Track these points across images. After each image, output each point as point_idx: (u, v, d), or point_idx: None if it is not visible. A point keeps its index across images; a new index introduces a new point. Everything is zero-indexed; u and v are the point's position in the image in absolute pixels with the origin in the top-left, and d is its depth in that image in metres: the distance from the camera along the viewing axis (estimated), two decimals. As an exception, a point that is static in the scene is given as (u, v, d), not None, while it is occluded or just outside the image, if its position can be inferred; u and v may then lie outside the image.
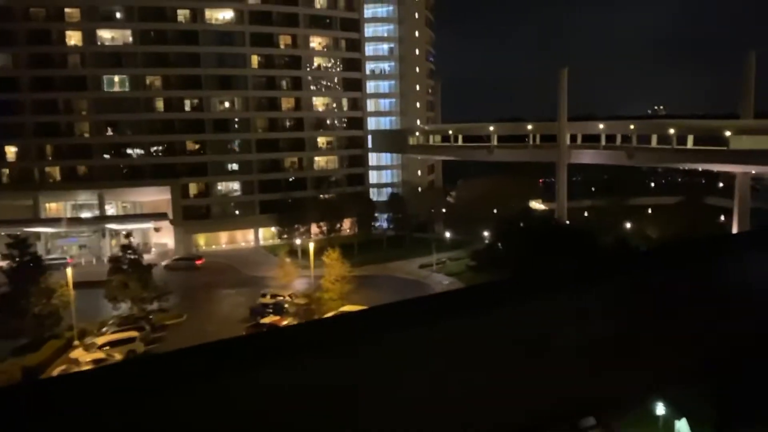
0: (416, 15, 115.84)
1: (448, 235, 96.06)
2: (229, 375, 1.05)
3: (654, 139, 79.11)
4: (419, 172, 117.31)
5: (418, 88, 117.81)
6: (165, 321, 62.45)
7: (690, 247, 1.89)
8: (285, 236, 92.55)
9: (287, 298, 64.59)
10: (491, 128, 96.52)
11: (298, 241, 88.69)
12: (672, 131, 75.11)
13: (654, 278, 1.61)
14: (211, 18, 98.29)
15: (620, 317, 1.39)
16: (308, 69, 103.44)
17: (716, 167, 75.44)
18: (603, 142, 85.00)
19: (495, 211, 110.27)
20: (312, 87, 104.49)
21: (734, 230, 75.06)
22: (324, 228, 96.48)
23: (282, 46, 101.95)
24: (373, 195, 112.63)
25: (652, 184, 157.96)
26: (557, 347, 1.39)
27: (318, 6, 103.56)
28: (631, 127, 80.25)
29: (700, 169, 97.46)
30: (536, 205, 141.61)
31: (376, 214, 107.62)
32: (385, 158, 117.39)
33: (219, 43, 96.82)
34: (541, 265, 49.56)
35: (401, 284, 76.11)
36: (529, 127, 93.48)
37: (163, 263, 71.23)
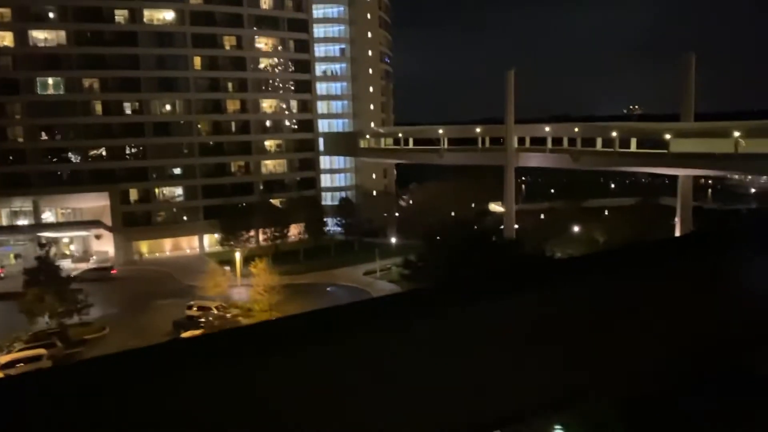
0: (368, 16, 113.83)
1: (394, 240, 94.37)
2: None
3: (599, 141, 78.04)
4: (374, 176, 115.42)
5: (371, 89, 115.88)
6: (85, 335, 59.64)
7: (625, 257, 1.99)
8: (229, 243, 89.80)
9: (214, 310, 62.07)
10: (440, 131, 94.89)
11: (241, 248, 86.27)
12: (614, 134, 74.06)
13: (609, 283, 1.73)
14: (152, 18, 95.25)
15: (566, 322, 1.61)
16: (254, 70, 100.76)
17: (658, 170, 74.62)
18: (549, 145, 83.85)
19: (453, 214, 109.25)
20: (259, 89, 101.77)
21: (677, 231, 74.34)
22: (271, 234, 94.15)
23: (228, 48, 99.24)
24: (327, 199, 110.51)
25: (612, 186, 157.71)
26: (512, 349, 1.45)
27: (264, 6, 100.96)
28: (576, 130, 79.06)
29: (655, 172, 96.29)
30: (496, 207, 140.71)
31: (328, 219, 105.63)
32: (339, 161, 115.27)
33: (159, 45, 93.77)
34: (461, 274, 48.14)
35: (340, 292, 74.07)
36: (478, 130, 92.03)
37: (72, 274, 67.98)
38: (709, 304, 1.83)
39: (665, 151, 69.02)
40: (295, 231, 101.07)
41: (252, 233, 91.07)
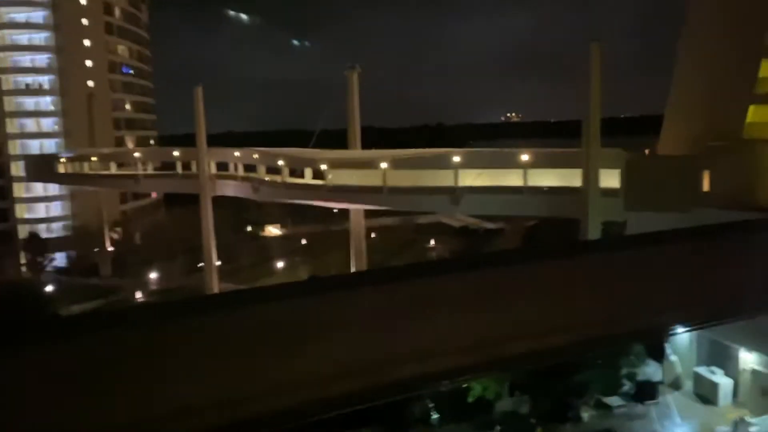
0: (85, 22, 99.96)
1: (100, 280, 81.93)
2: None
3: (286, 170, 69.56)
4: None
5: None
6: None
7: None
8: None
9: None
10: (137, 155, 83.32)
11: None
12: (281, 162, 65.89)
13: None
14: None
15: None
16: None
17: (323, 203, 67.19)
18: (241, 171, 74.62)
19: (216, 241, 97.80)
20: None
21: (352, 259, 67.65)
22: None
23: None
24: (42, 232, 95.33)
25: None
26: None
27: None
28: (255, 156, 70.20)
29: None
30: (272, 230, 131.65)
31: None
32: (54, 188, 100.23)
33: None
34: None
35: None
36: (176, 153, 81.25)
37: None
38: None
39: (323, 182, 61.68)
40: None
41: None
